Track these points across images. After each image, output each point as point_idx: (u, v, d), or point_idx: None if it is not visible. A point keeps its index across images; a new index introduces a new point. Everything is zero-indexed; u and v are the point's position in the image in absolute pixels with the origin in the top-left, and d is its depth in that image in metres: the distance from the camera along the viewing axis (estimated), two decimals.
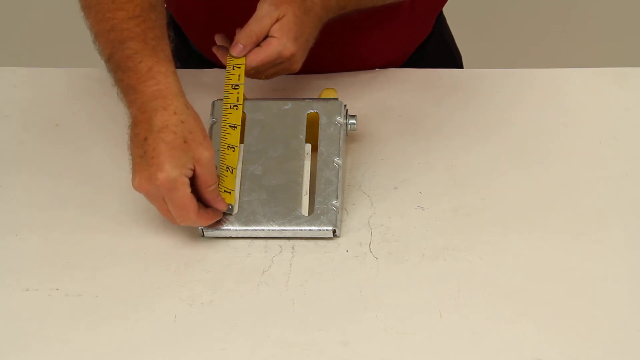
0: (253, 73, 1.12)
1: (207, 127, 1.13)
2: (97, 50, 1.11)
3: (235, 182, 1.07)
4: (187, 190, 1.01)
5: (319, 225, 1.05)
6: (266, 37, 1.10)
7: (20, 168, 1.17)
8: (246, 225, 1.06)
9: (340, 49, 1.25)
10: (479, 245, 1.05)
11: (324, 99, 1.14)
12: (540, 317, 0.98)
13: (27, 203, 1.12)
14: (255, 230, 1.06)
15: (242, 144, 1.11)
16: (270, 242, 1.06)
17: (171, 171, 1.00)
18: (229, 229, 1.06)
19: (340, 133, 1.11)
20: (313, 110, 1.12)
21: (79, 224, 1.09)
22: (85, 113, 1.24)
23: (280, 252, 1.05)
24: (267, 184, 1.08)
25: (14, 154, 1.19)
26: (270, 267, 1.04)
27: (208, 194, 1.03)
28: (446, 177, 1.13)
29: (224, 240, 1.07)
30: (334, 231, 1.06)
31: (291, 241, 1.06)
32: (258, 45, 1.10)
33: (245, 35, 1.09)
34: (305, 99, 1.14)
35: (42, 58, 2.41)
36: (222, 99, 1.14)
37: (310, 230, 1.05)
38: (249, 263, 1.04)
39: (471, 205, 1.10)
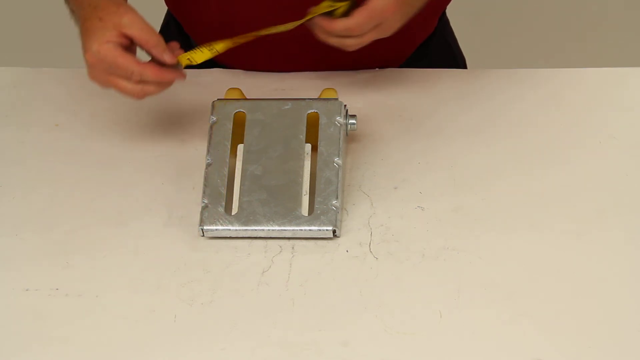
0: (356, 35, 1.09)
1: (207, 127, 1.13)
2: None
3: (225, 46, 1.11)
4: (116, 51, 1.05)
5: (319, 225, 1.05)
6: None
7: (21, 168, 1.17)
8: (246, 225, 1.06)
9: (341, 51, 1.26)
10: (479, 245, 1.05)
11: (324, 99, 1.14)
12: (540, 317, 0.98)
13: (27, 203, 1.12)
14: (255, 230, 1.06)
15: (242, 144, 1.11)
16: (270, 242, 1.06)
17: (92, 46, 1.06)
18: (229, 229, 1.06)
19: (340, 133, 1.11)
20: (313, 110, 1.13)
21: (79, 224, 1.09)
22: (85, 113, 1.24)
23: (280, 252, 1.05)
24: (267, 184, 1.08)
25: (14, 154, 1.19)
26: (270, 267, 1.04)
27: (151, 50, 1.07)
28: (446, 177, 1.13)
29: (224, 240, 1.07)
30: (334, 231, 1.06)
31: (291, 241, 1.06)
32: (357, 5, 1.08)
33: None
34: (305, 99, 1.14)
35: (42, 58, 2.41)
36: (222, 99, 1.15)
37: (310, 230, 1.05)
38: (249, 263, 1.04)
39: (471, 205, 1.10)
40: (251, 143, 1.11)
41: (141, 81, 1.07)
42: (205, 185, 1.08)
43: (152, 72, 1.07)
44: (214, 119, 1.13)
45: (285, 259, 1.05)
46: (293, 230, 1.06)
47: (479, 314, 0.98)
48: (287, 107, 1.13)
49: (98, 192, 1.13)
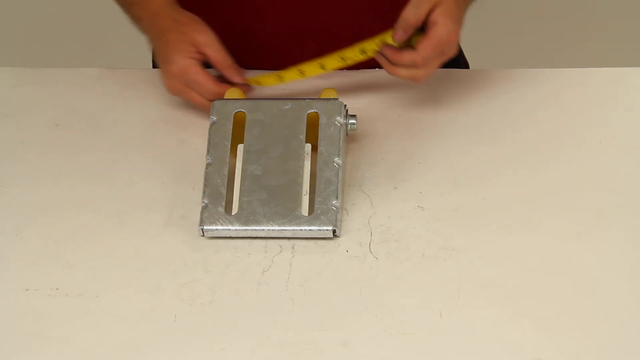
0: (423, 67, 1.12)
1: (207, 127, 1.13)
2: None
3: (292, 76, 1.19)
4: (198, 69, 1.16)
5: (319, 225, 1.05)
6: (423, 27, 1.11)
7: (20, 168, 1.17)
8: (246, 225, 1.06)
9: (342, 44, 1.26)
10: (479, 245, 1.05)
11: (324, 99, 1.14)
12: (540, 317, 0.98)
13: (27, 203, 1.12)
14: (255, 230, 1.06)
15: (242, 144, 1.11)
16: (270, 242, 1.06)
17: (176, 58, 1.16)
18: (229, 229, 1.06)
19: (340, 133, 1.11)
20: (313, 110, 1.12)
21: (79, 224, 1.09)
22: (85, 113, 1.24)
23: (280, 252, 1.05)
24: (267, 184, 1.08)
25: (14, 154, 1.19)
26: (270, 267, 1.04)
27: (224, 71, 1.18)
28: (446, 177, 1.13)
29: (224, 240, 1.07)
30: (334, 231, 1.06)
31: (291, 241, 1.06)
32: (421, 33, 1.11)
33: (403, 21, 1.11)
34: (305, 99, 1.14)
35: (42, 58, 2.41)
36: (222, 99, 1.15)
37: (310, 230, 1.05)
38: (249, 263, 1.04)
39: (471, 205, 1.10)
40: (251, 143, 1.11)
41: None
42: (205, 185, 1.08)
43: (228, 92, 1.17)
44: (214, 119, 1.13)
45: (285, 259, 1.05)
46: (293, 230, 1.06)
47: (479, 314, 0.98)
48: (287, 107, 1.13)
49: (98, 192, 1.13)
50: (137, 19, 1.22)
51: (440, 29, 1.10)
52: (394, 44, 1.13)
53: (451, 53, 1.13)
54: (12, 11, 2.53)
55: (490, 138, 1.18)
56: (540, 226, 1.07)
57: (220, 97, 1.16)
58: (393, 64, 1.14)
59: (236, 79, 1.18)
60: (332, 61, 1.18)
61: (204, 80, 1.16)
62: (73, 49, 2.40)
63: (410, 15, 1.10)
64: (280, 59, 1.26)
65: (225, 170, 1.09)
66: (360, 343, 0.96)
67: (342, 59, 1.18)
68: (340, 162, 1.09)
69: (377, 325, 0.98)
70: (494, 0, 2.46)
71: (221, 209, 1.07)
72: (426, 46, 1.10)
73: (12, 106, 1.26)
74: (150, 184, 1.13)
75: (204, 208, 1.07)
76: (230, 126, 1.12)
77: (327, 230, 1.05)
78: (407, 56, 1.12)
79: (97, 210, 1.11)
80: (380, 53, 1.14)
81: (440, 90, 1.25)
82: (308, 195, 1.08)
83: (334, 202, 1.06)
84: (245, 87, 1.20)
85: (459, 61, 1.43)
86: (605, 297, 1.00)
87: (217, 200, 1.07)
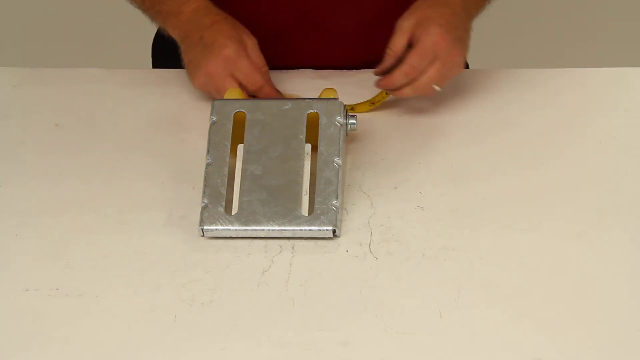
0: (418, 76, 1.14)
1: (207, 127, 1.13)
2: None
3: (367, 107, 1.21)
4: (248, 58, 1.16)
5: (319, 225, 1.05)
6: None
7: (20, 168, 1.17)
8: (246, 225, 1.06)
9: (340, 43, 1.26)
10: (479, 245, 1.05)
11: (324, 99, 1.14)
12: (540, 317, 0.98)
13: (27, 203, 1.12)
14: (255, 230, 1.06)
15: (242, 144, 1.11)
16: (270, 242, 1.06)
17: (232, 45, 1.15)
18: (229, 229, 1.06)
19: (340, 133, 1.11)
20: (313, 110, 1.12)
21: (79, 224, 1.09)
22: (85, 113, 1.24)
23: (280, 252, 1.05)
24: (267, 184, 1.08)
25: (14, 154, 1.19)
26: (270, 267, 1.04)
27: (253, 92, 1.17)
28: (446, 177, 1.13)
29: (224, 240, 1.07)
30: (334, 231, 1.06)
31: (291, 241, 1.06)
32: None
33: (388, 50, 1.14)
34: (305, 99, 1.14)
35: (42, 58, 2.41)
36: (222, 99, 1.14)
37: (310, 230, 1.05)
38: (249, 263, 1.04)
39: (471, 205, 1.10)
40: (251, 143, 1.11)
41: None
42: (205, 185, 1.08)
43: (271, 90, 1.19)
44: (214, 119, 1.13)
45: (285, 259, 1.05)
46: (293, 230, 1.06)
47: (479, 314, 0.98)
48: (287, 107, 1.13)
49: (98, 192, 1.13)
50: (168, 14, 1.21)
51: (423, 37, 1.11)
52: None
53: (450, 58, 1.13)
54: (12, 11, 2.53)
55: (490, 138, 1.18)
56: (540, 226, 1.07)
57: (261, 90, 1.17)
58: (390, 86, 1.15)
59: (267, 90, 1.19)
60: (364, 105, 1.22)
61: (257, 67, 1.16)
62: (73, 49, 2.40)
63: (389, 49, 1.14)
64: (281, 50, 1.26)
65: (225, 170, 1.09)
66: (360, 343, 0.96)
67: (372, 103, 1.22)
68: (340, 162, 1.09)
69: (377, 325, 0.98)
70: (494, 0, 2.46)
71: (221, 209, 1.07)
72: (412, 54, 1.12)
73: (12, 106, 1.26)
74: (150, 184, 1.14)
75: (204, 208, 1.07)
76: (230, 126, 1.12)
77: (327, 230, 1.05)
78: (398, 72, 1.13)
79: (97, 210, 1.11)
80: (378, 85, 1.17)
81: (441, 90, 1.25)
82: (308, 195, 1.08)
83: (334, 202, 1.06)
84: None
85: None
86: (605, 297, 1.00)
87: (217, 200, 1.07)
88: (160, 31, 1.43)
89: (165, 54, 1.33)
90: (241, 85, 1.16)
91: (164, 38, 1.28)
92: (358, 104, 1.21)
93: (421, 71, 1.13)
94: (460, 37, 1.14)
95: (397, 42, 1.13)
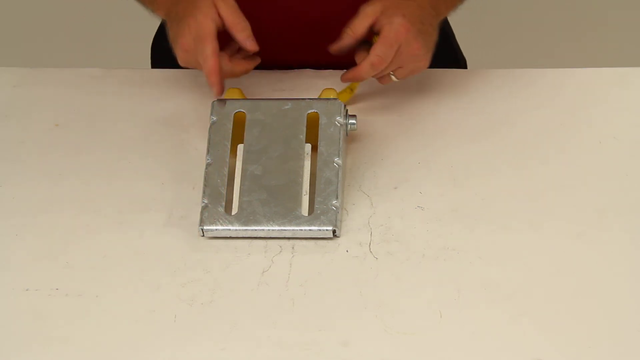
0: (386, 67, 1.12)
1: (207, 127, 1.13)
2: None
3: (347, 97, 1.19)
4: (211, 27, 1.08)
5: (319, 225, 1.05)
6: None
7: (20, 168, 1.17)
8: (246, 225, 1.06)
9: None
10: (479, 245, 1.05)
11: (324, 99, 1.14)
12: (540, 317, 0.98)
13: (27, 203, 1.12)
14: (255, 230, 1.06)
15: (242, 144, 1.11)
16: (270, 242, 1.06)
17: (197, 15, 1.08)
18: (229, 229, 1.06)
19: (340, 133, 1.11)
20: (313, 110, 1.13)
21: (79, 224, 1.09)
22: (85, 113, 1.24)
23: (280, 252, 1.05)
24: (267, 184, 1.08)
25: (14, 154, 1.19)
26: (270, 267, 1.04)
27: (236, 34, 1.10)
28: (446, 177, 1.13)
29: (224, 240, 1.07)
30: (334, 231, 1.06)
31: (291, 241, 1.06)
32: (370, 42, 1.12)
33: (348, 30, 1.12)
34: (305, 99, 1.14)
35: (42, 58, 2.41)
36: (222, 99, 1.14)
37: (310, 230, 1.05)
38: (249, 263, 1.04)
39: (471, 205, 1.10)
40: (251, 143, 1.11)
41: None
42: (205, 185, 1.08)
43: (209, 73, 1.10)
44: (214, 119, 1.13)
45: (285, 259, 1.05)
46: (293, 230, 1.06)
47: (479, 314, 0.98)
48: (287, 107, 1.13)
49: (98, 192, 1.13)
50: (147, 3, 1.18)
51: (386, 26, 1.10)
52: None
53: (408, 47, 1.11)
54: (12, 11, 2.53)
55: (490, 138, 1.18)
56: (540, 226, 1.07)
57: (206, 75, 1.10)
58: (360, 78, 1.14)
59: (248, 44, 1.12)
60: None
61: (207, 37, 1.09)
62: (73, 49, 2.40)
63: (348, 31, 1.12)
64: (281, 50, 1.26)
65: (225, 170, 1.09)
66: (360, 343, 0.96)
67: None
68: (340, 162, 1.09)
69: (377, 325, 0.98)
70: (493, 1, 2.47)
71: (221, 209, 1.07)
72: (378, 45, 1.10)
73: (12, 106, 1.26)
74: (150, 184, 1.14)
75: (204, 208, 1.07)
76: (230, 126, 1.12)
77: (327, 230, 1.05)
78: (365, 64, 1.12)
79: (97, 210, 1.11)
80: (347, 77, 1.15)
81: (440, 90, 1.25)
82: (308, 195, 1.08)
83: (334, 202, 1.06)
84: (249, 65, 1.16)
85: (459, 61, 1.43)
86: (605, 297, 1.00)
87: (217, 200, 1.07)
88: (159, 31, 1.43)
89: (165, 53, 1.33)
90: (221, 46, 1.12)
91: (163, 37, 1.28)
92: (339, 93, 1.20)
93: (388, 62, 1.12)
94: (425, 31, 1.12)
95: (359, 25, 1.12)
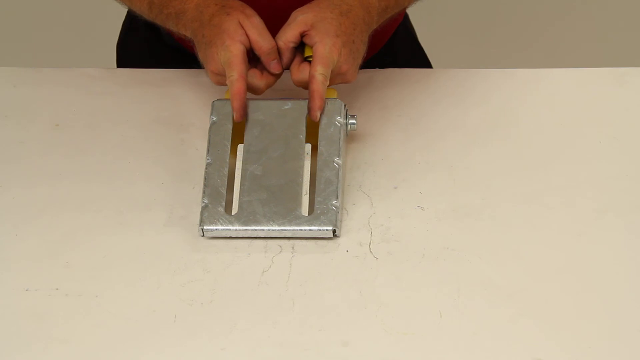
0: (336, 78, 1.12)
1: (207, 127, 1.13)
2: (133, 9, 1.22)
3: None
4: (238, 49, 1.09)
5: (319, 225, 1.05)
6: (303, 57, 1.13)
7: (20, 168, 1.17)
8: (246, 225, 1.06)
9: None
10: (479, 245, 1.05)
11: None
12: (540, 317, 0.98)
13: (27, 203, 1.12)
14: (255, 230, 1.06)
15: (242, 144, 1.11)
16: (270, 242, 1.06)
17: (227, 41, 1.09)
18: (229, 229, 1.06)
19: (340, 133, 1.11)
20: None
21: (79, 224, 1.09)
22: (85, 113, 1.24)
23: (280, 252, 1.05)
24: (267, 184, 1.08)
25: (14, 154, 1.19)
26: (270, 267, 1.04)
27: (262, 57, 1.11)
28: (446, 177, 1.13)
29: (224, 240, 1.07)
30: (334, 231, 1.06)
31: (291, 241, 1.06)
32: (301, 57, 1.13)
33: (280, 42, 1.12)
34: (305, 99, 1.14)
35: (42, 58, 2.41)
36: (222, 99, 1.14)
37: (310, 230, 1.05)
38: (249, 263, 1.04)
39: (471, 205, 1.10)
40: (251, 143, 1.11)
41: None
42: (205, 185, 1.08)
43: (233, 98, 1.10)
44: (214, 119, 1.13)
45: (285, 259, 1.05)
46: (293, 230, 1.06)
47: (479, 314, 0.98)
48: (287, 107, 1.13)
49: (98, 192, 1.13)
50: (176, 15, 1.16)
51: (320, 47, 1.09)
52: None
53: (339, 68, 1.11)
54: (12, 11, 2.53)
55: (490, 138, 1.18)
56: (540, 226, 1.07)
57: (237, 92, 1.11)
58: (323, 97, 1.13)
59: (271, 67, 1.13)
60: None
61: (235, 65, 1.10)
62: (73, 49, 2.40)
63: (279, 40, 1.12)
64: None
65: (225, 170, 1.09)
66: (360, 343, 0.96)
67: None
68: (340, 162, 1.09)
69: (377, 325, 0.98)
70: (494, 0, 2.47)
71: (221, 209, 1.07)
72: (317, 66, 1.09)
73: (12, 106, 1.26)
74: (150, 184, 1.14)
75: (204, 208, 1.07)
76: (230, 126, 1.12)
77: (327, 230, 1.05)
78: (319, 84, 1.10)
79: (97, 210, 1.11)
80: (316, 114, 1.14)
81: (440, 90, 1.25)
82: (308, 195, 1.08)
83: (334, 202, 1.06)
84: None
85: (421, 50, 1.44)
86: (605, 297, 1.00)
87: (217, 200, 1.07)
88: (123, 31, 1.44)
89: (131, 54, 1.35)
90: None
91: (128, 37, 1.28)
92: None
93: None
94: (356, 50, 1.12)
95: (290, 34, 1.11)
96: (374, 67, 1.27)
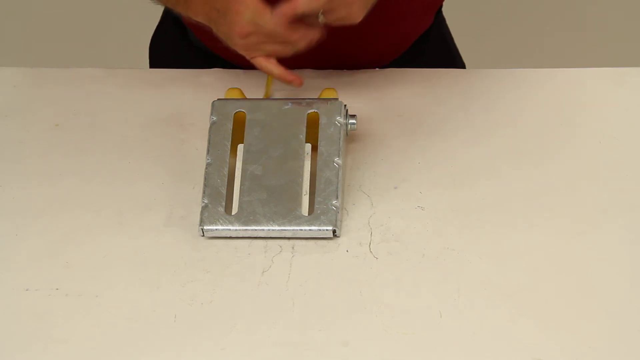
0: (317, 8, 1.08)
1: (207, 127, 1.13)
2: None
3: None
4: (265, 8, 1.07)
5: (319, 225, 1.05)
6: None
7: (20, 168, 1.17)
8: (246, 225, 1.06)
9: (335, 37, 1.26)
10: (479, 245, 1.05)
11: (324, 99, 1.14)
12: (540, 317, 0.98)
13: (27, 203, 1.12)
14: (255, 230, 1.06)
15: (242, 144, 1.11)
16: (270, 242, 1.06)
17: (245, 6, 1.07)
18: (229, 229, 1.06)
19: (340, 133, 1.11)
20: (313, 110, 1.13)
21: (79, 224, 1.09)
22: (85, 113, 1.24)
23: (280, 252, 1.05)
24: (267, 184, 1.08)
25: (14, 154, 1.19)
26: (270, 267, 1.04)
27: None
28: (446, 177, 1.13)
29: (224, 240, 1.07)
30: (334, 231, 1.06)
31: (291, 241, 1.06)
32: None
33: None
34: (305, 99, 1.14)
35: (42, 58, 2.41)
36: (222, 99, 1.15)
37: (310, 230, 1.05)
38: (249, 263, 1.04)
39: (471, 205, 1.10)
40: (251, 143, 1.11)
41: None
42: (205, 185, 1.08)
43: (300, 37, 1.10)
44: (214, 118, 1.13)
45: (285, 259, 1.05)
46: (293, 230, 1.06)
47: (479, 314, 0.98)
48: (287, 107, 1.13)
49: (98, 192, 1.13)
50: (185, 0, 1.15)
51: None
52: None
53: (348, 8, 1.07)
54: (12, 11, 2.53)
55: (490, 138, 1.18)
56: (540, 226, 1.07)
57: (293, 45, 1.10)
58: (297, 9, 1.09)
59: (291, 78, 1.14)
60: None
61: (265, 12, 1.07)
62: (73, 49, 2.40)
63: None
64: None
65: (225, 170, 1.09)
66: (360, 343, 0.96)
67: None
68: (340, 162, 1.09)
69: (377, 325, 0.98)
70: (494, 1, 2.47)
71: (221, 209, 1.07)
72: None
73: (12, 106, 1.26)
74: (150, 184, 1.14)
75: (204, 208, 1.07)
76: (230, 126, 1.12)
77: (327, 230, 1.05)
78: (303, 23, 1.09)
79: (97, 210, 1.11)
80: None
81: (440, 90, 1.25)
82: (308, 195, 1.08)
83: (334, 202, 1.06)
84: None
85: (454, 56, 1.42)
86: (605, 297, 1.00)
87: (217, 200, 1.07)
88: (157, 31, 1.43)
89: (163, 53, 1.33)
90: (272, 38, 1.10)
91: (161, 36, 1.27)
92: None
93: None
94: None
95: None
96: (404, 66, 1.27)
